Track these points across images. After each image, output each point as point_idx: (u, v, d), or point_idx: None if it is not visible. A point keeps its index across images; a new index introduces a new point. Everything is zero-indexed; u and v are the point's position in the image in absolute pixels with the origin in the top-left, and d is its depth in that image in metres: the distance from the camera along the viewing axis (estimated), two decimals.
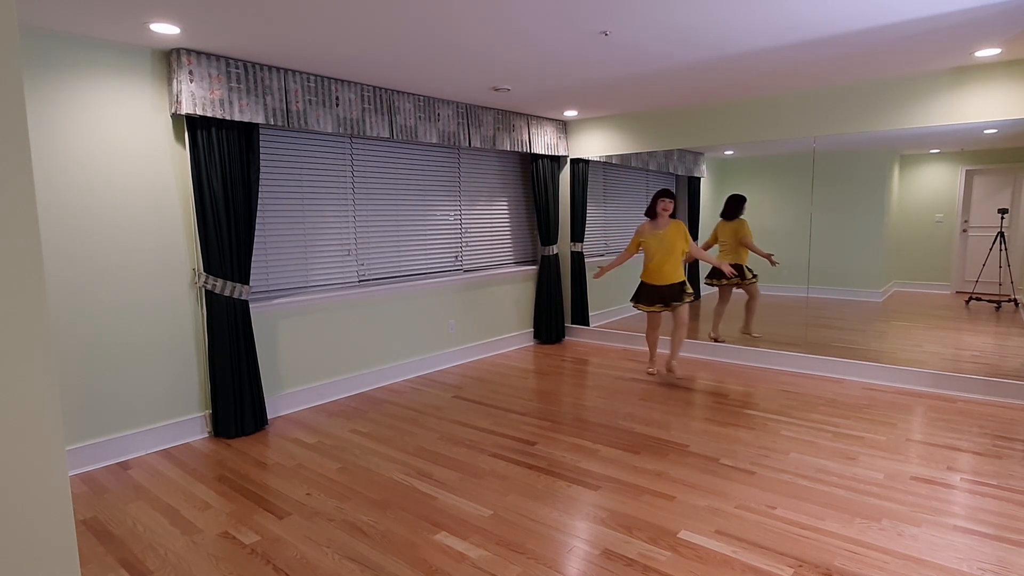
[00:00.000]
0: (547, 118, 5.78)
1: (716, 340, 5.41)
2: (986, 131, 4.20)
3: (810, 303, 5.03)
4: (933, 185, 4.71)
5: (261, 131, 3.96)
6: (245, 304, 3.65)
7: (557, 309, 6.12)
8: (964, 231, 4.67)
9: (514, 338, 5.98)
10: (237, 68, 3.48)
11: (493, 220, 5.79)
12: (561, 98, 4.85)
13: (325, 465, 3.21)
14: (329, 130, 3.97)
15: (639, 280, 4.65)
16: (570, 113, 5.56)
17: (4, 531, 1.20)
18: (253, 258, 3.95)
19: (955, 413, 3.81)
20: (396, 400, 4.32)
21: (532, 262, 6.25)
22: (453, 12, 2.79)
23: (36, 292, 1.22)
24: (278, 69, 3.68)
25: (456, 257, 5.42)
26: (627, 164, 6.17)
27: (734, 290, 5.44)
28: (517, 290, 6.00)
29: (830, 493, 2.78)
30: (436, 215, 5.19)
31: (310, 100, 3.86)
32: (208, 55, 3.36)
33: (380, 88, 4.27)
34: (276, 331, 4.04)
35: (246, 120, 3.52)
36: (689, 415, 3.87)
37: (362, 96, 4.16)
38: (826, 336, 4.95)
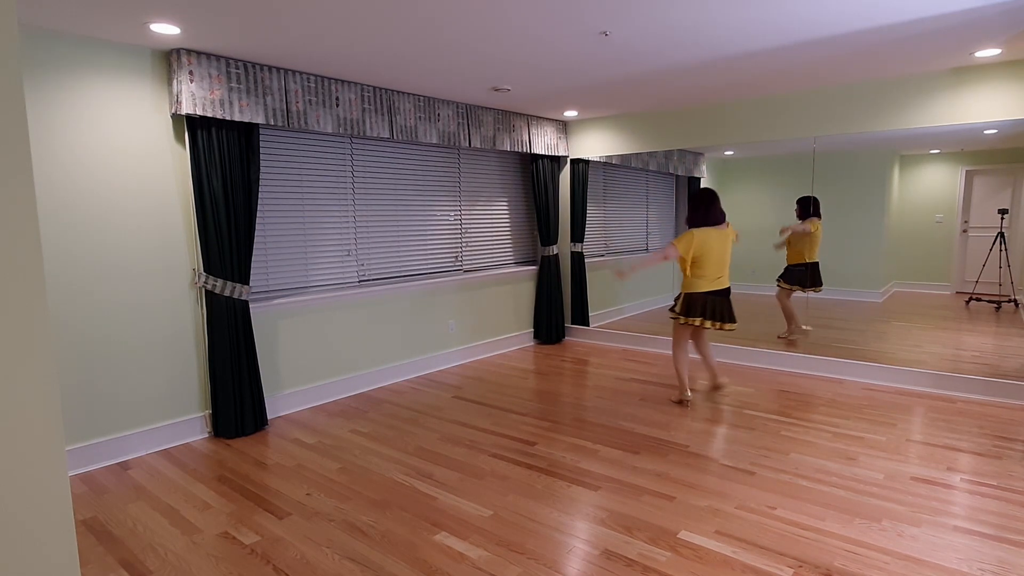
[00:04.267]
0: (547, 118, 5.78)
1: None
2: (986, 131, 4.20)
3: (810, 303, 5.02)
4: (933, 185, 4.71)
5: (261, 131, 3.96)
6: (245, 304, 3.65)
7: (557, 309, 6.12)
8: (964, 231, 4.67)
9: (514, 338, 5.98)
10: (237, 68, 3.48)
11: (493, 220, 5.78)
12: (561, 98, 4.85)
13: (325, 465, 3.21)
14: (329, 130, 3.97)
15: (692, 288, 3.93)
16: (570, 113, 5.56)
17: (4, 531, 1.20)
18: (253, 258, 3.95)
19: (955, 413, 3.81)
20: (396, 400, 4.32)
21: (532, 262, 6.25)
22: (453, 12, 2.79)
23: (36, 292, 1.22)
24: (278, 69, 3.67)
25: (456, 257, 5.42)
26: (627, 164, 6.17)
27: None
28: (517, 290, 6.00)
29: (830, 493, 2.78)
30: (436, 215, 5.19)
31: (310, 100, 3.86)
32: (208, 55, 3.36)
33: (380, 88, 4.27)
34: (276, 331, 4.04)
35: (246, 120, 3.52)
36: (689, 415, 3.87)
37: (362, 96, 4.16)
38: (826, 336, 4.95)
